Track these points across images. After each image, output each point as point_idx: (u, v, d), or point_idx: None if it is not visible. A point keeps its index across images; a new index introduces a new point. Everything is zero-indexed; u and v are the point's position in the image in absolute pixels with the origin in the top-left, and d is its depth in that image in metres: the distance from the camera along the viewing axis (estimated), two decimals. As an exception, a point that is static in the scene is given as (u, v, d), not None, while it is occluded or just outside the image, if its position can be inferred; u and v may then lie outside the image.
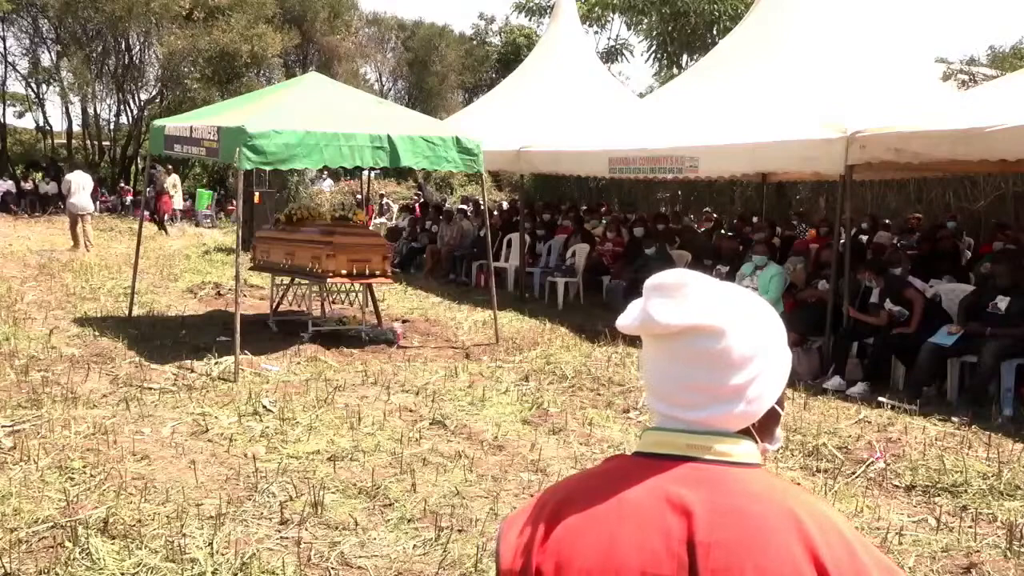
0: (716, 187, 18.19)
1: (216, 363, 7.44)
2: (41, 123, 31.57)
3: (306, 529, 4.21)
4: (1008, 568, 4.01)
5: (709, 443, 1.12)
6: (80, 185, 15.71)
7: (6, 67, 28.75)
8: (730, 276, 9.11)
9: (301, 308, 9.85)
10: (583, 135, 11.28)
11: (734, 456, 1.13)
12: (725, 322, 1.11)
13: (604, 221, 14.20)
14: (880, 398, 6.88)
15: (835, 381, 7.38)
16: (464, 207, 18.36)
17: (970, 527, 4.44)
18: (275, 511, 4.39)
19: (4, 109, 30.51)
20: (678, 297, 1.12)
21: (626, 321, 1.16)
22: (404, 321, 9.69)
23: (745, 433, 1.15)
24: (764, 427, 1.18)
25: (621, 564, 1.08)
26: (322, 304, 9.83)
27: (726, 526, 1.07)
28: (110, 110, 29.77)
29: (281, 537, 4.13)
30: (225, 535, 4.09)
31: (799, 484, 4.92)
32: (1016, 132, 6.34)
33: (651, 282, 1.14)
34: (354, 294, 10.03)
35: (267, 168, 8.21)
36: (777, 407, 1.19)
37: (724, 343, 1.11)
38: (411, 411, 6.33)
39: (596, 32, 26.44)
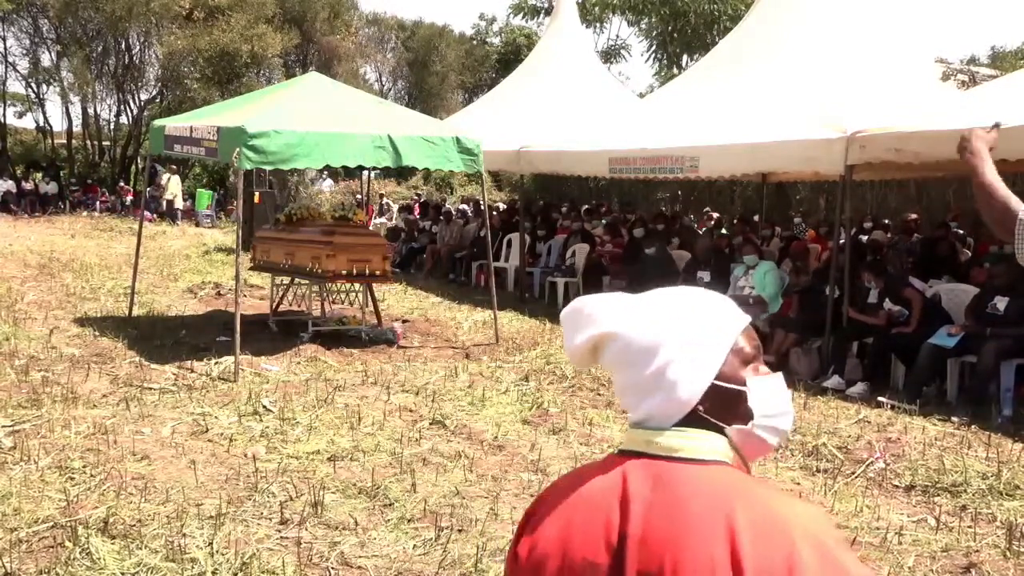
0: (716, 187, 18.18)
1: (216, 363, 7.45)
2: (41, 123, 31.60)
3: (306, 529, 4.21)
4: (1007, 568, 4.02)
5: (661, 439, 1.18)
6: None
7: (6, 67, 28.78)
8: (716, 279, 9.06)
9: (301, 308, 9.85)
10: (583, 135, 11.27)
11: (685, 451, 1.16)
12: (614, 325, 1.20)
13: (604, 221, 14.19)
14: (880, 398, 6.88)
15: (835, 381, 7.38)
16: (464, 207, 18.37)
17: (969, 527, 4.45)
18: (275, 511, 4.40)
19: (4, 109, 30.54)
20: (576, 321, 1.24)
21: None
22: (404, 321, 9.69)
23: (706, 428, 1.18)
24: (723, 409, 1.18)
25: (568, 550, 1.16)
26: (322, 304, 9.83)
27: (655, 521, 1.11)
28: (110, 110, 29.80)
29: (281, 537, 4.13)
30: (225, 535, 4.09)
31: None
32: (1016, 132, 6.33)
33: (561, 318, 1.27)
34: (354, 294, 10.03)
35: (267, 168, 8.21)
36: (726, 385, 1.18)
37: (621, 343, 1.20)
38: (411, 411, 6.33)
39: (596, 32, 26.44)
